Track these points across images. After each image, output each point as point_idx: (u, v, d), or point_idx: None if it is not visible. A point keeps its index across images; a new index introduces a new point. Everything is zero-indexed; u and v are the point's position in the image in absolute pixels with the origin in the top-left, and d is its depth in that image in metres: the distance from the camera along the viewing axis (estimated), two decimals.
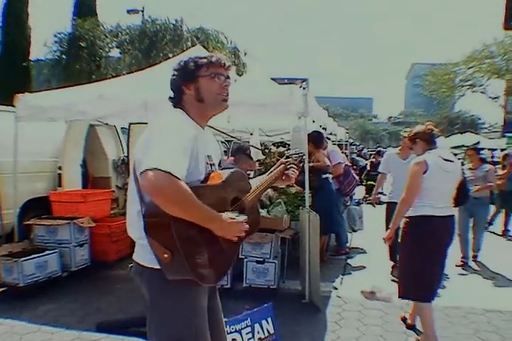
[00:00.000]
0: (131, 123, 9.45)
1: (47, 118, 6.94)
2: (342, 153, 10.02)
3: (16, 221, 7.14)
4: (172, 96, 2.76)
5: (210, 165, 2.69)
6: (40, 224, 6.90)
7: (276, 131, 12.95)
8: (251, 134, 12.20)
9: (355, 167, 16.78)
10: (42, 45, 23.98)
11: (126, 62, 23.94)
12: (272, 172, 3.11)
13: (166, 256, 2.28)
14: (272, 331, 4.44)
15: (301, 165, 3.29)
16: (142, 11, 24.42)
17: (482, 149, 8.73)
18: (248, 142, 11.59)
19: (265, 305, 4.51)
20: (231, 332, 4.08)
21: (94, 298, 6.13)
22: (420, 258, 4.78)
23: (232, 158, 7.67)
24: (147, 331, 2.62)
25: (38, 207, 7.90)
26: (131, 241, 2.62)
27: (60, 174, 8.54)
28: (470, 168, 8.28)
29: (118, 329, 4.95)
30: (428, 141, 5.01)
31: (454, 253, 7.45)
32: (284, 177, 3.12)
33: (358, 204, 10.08)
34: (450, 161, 4.89)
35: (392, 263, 7.31)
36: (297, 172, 3.16)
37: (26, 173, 7.69)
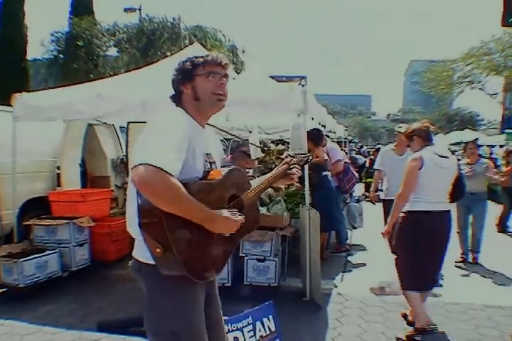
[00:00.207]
0: (129, 122, 9.44)
1: (45, 117, 6.92)
2: (341, 150, 10.01)
3: (15, 221, 7.13)
4: (172, 95, 2.78)
5: (210, 163, 2.70)
6: (39, 224, 6.88)
7: (275, 129, 12.93)
8: (250, 132, 12.17)
9: (354, 165, 16.77)
10: (39, 45, 23.98)
11: (123, 61, 23.90)
12: (274, 171, 3.10)
13: (158, 250, 2.29)
14: (273, 329, 4.43)
15: (304, 165, 3.29)
16: (139, 10, 24.40)
17: (481, 146, 8.60)
18: (247, 140, 11.57)
19: (266, 303, 4.51)
20: (232, 331, 4.07)
21: (95, 298, 6.12)
22: (414, 252, 4.94)
23: (231, 156, 7.67)
24: (145, 326, 2.62)
25: (37, 207, 7.88)
26: (131, 240, 2.63)
27: (58, 174, 8.54)
28: (468, 163, 8.13)
29: (119, 329, 4.96)
30: (425, 137, 5.16)
31: (454, 250, 7.49)
32: (286, 177, 3.10)
33: (358, 201, 10.07)
34: (445, 157, 5.04)
35: (395, 256, 7.33)
36: (300, 173, 3.15)
37: (25, 173, 7.67)
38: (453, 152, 25.49)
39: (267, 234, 6.03)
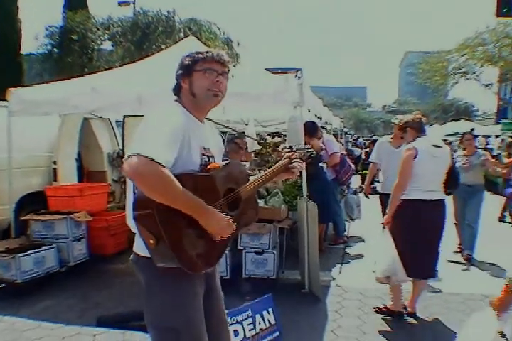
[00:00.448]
0: (125, 116, 9.42)
1: (40, 112, 6.89)
2: (337, 142, 10.00)
3: (12, 217, 7.12)
4: (173, 88, 2.81)
5: (208, 156, 2.70)
6: (36, 219, 6.85)
7: (271, 122, 12.92)
8: (246, 125, 12.17)
9: (350, 156, 16.77)
10: (33, 39, 23.86)
11: (118, 55, 23.80)
12: (275, 165, 3.09)
13: (151, 241, 2.31)
14: (273, 321, 4.45)
15: (308, 160, 3.28)
16: (133, 3, 24.31)
17: (477, 136, 8.42)
18: (243, 133, 11.55)
19: (265, 295, 4.51)
20: (232, 324, 4.08)
21: (94, 293, 6.11)
22: (409, 240, 5.06)
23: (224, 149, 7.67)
24: (145, 319, 2.63)
25: (34, 202, 7.86)
26: (129, 234, 2.63)
27: (55, 168, 8.51)
28: (465, 155, 7.95)
29: (118, 324, 4.95)
30: (418, 129, 5.33)
31: (452, 242, 7.51)
32: (287, 171, 3.10)
33: (356, 193, 10.06)
34: (439, 147, 5.25)
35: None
36: (302, 167, 3.14)
37: (21, 168, 7.65)
38: (449, 143, 25.63)
39: (264, 227, 6.03)
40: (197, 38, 9.89)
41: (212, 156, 2.75)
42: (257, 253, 6.15)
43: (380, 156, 7.64)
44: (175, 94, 2.79)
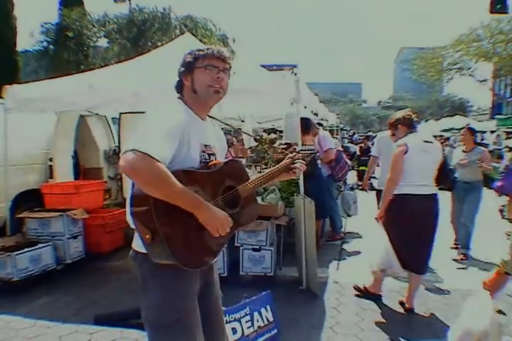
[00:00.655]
0: (121, 113, 9.39)
1: (36, 109, 6.87)
2: (334, 138, 9.99)
3: (8, 214, 7.10)
4: (175, 85, 2.81)
5: (209, 154, 2.70)
6: (32, 217, 6.84)
7: (267, 118, 12.92)
8: (242, 121, 12.15)
9: (346, 153, 16.78)
10: (28, 36, 23.82)
11: (114, 52, 23.78)
12: (277, 165, 3.09)
13: (147, 236, 2.31)
14: (271, 319, 4.44)
15: (310, 161, 3.28)
16: (129, 0, 24.26)
17: (476, 132, 8.18)
18: (240, 129, 11.54)
19: (264, 292, 4.50)
20: (230, 321, 4.08)
21: (90, 290, 6.09)
22: (401, 234, 5.17)
23: None
24: (141, 315, 2.64)
25: (30, 199, 7.82)
26: (126, 231, 2.63)
27: (51, 166, 8.48)
28: (463, 151, 7.85)
29: (116, 322, 4.93)
30: (408, 125, 5.47)
31: (449, 238, 7.51)
32: (288, 172, 3.10)
33: (352, 189, 10.06)
34: (429, 142, 5.35)
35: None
36: (304, 168, 3.13)
37: (17, 166, 7.60)
38: (446, 138, 25.65)
39: (262, 224, 6.01)
40: (193, 34, 9.87)
41: (213, 154, 2.75)
42: (254, 250, 6.14)
43: (380, 150, 7.61)
44: (177, 92, 2.79)
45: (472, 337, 3.18)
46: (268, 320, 4.41)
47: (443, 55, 41.52)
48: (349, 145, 22.15)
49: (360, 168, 17.07)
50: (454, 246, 8.03)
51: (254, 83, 5.86)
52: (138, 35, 22.88)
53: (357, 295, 5.84)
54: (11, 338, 4.74)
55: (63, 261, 6.78)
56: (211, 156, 2.71)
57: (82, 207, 7.14)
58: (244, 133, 11.00)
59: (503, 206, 8.97)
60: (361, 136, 33.51)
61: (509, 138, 19.75)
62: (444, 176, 5.65)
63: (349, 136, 33.25)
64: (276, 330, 4.45)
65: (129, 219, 2.52)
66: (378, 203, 7.04)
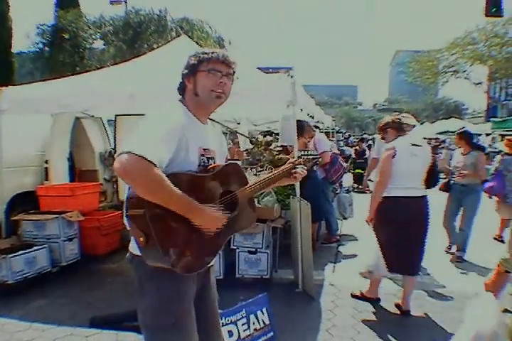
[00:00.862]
0: (117, 115, 9.38)
1: (31, 111, 6.85)
2: (330, 140, 9.99)
3: (3, 216, 7.08)
4: (178, 87, 2.79)
5: (208, 158, 2.67)
6: (27, 219, 6.81)
7: (263, 120, 12.91)
8: (238, 124, 12.15)
9: (342, 156, 16.79)
10: (24, 38, 23.89)
11: (110, 54, 23.83)
12: (278, 170, 3.08)
13: (141, 239, 2.30)
14: (267, 321, 4.43)
15: (313, 166, 3.28)
16: (125, 2, 24.31)
17: (471, 135, 8.04)
18: (236, 131, 11.54)
19: (260, 295, 4.50)
20: (226, 324, 4.07)
21: (85, 293, 6.07)
22: (390, 235, 5.26)
23: None
24: (138, 318, 2.64)
25: (25, 202, 7.79)
26: (121, 234, 2.63)
27: (46, 168, 8.45)
28: (461, 153, 7.81)
29: (111, 324, 4.91)
30: (397, 128, 5.58)
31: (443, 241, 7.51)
32: (289, 176, 3.09)
33: (348, 191, 10.07)
34: (418, 146, 5.40)
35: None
36: (305, 173, 3.12)
37: (12, 168, 7.57)
38: (442, 141, 25.69)
39: (258, 226, 6.01)
40: (189, 37, 9.88)
41: (213, 158, 2.72)
42: (250, 252, 6.14)
43: (380, 153, 7.62)
44: (179, 94, 2.77)
45: (482, 340, 3.17)
46: (264, 322, 4.40)
47: (438, 58, 41.78)
48: (344, 148, 22.17)
49: (356, 170, 17.07)
50: (447, 249, 8.05)
51: (251, 85, 5.84)
52: (134, 37, 22.92)
53: (354, 297, 5.86)
54: None
55: (59, 263, 6.75)
56: (210, 160, 2.68)
57: (78, 209, 7.12)
58: (241, 134, 10.99)
59: None
60: (356, 138, 33.53)
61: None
62: (433, 179, 5.71)
63: (345, 138, 33.21)
64: (272, 333, 4.43)
65: (125, 221, 2.50)
66: None
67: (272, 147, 8.91)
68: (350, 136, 38.88)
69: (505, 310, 3.10)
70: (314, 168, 7.86)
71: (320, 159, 3.33)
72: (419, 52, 47.43)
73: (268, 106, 7.52)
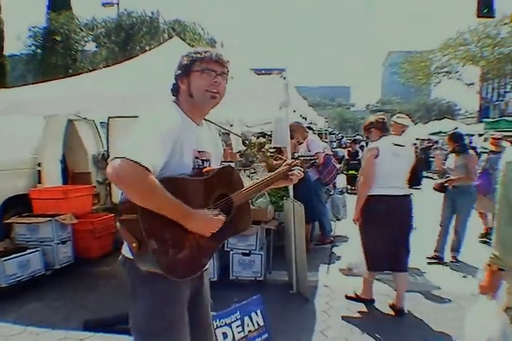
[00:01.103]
0: (110, 118, 9.36)
1: (24, 113, 6.83)
2: (324, 142, 9.99)
3: None
4: (171, 88, 2.73)
5: (203, 160, 2.63)
6: (20, 222, 6.79)
7: (256, 122, 12.91)
8: (231, 125, 12.14)
9: (336, 157, 16.80)
10: (16, 40, 23.85)
11: (102, 56, 23.82)
12: (274, 172, 3.06)
13: (134, 245, 2.27)
14: (261, 323, 4.43)
15: (309, 168, 3.26)
16: (117, 4, 24.30)
17: (461, 136, 7.93)
18: (228, 133, 11.55)
19: (254, 297, 4.49)
20: (221, 326, 4.07)
21: (79, 296, 6.05)
22: (373, 233, 5.40)
23: None
24: (129, 322, 2.61)
25: (18, 204, 7.77)
26: (115, 237, 2.61)
27: (39, 171, 8.42)
28: (454, 155, 7.72)
29: (105, 327, 4.90)
30: (381, 129, 5.65)
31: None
32: (286, 178, 3.08)
33: (342, 193, 10.08)
34: (401, 146, 5.49)
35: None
36: (302, 175, 3.11)
37: (5, 170, 7.57)
38: (435, 142, 25.70)
39: (251, 228, 6.00)
40: (181, 38, 9.86)
41: (208, 160, 2.68)
42: (244, 254, 6.14)
43: None
44: (173, 95, 2.72)
45: None
46: (259, 324, 4.40)
47: (431, 58, 41.87)
48: (337, 149, 22.19)
49: (349, 171, 17.06)
50: (433, 255, 7.73)
51: (244, 87, 5.84)
52: (126, 40, 22.91)
53: (348, 298, 5.87)
54: None
55: (52, 266, 6.73)
56: (205, 162, 2.65)
57: (71, 212, 7.09)
58: (234, 134, 10.99)
59: None
60: (349, 139, 33.61)
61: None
62: (416, 178, 5.92)
63: (337, 139, 33.28)
64: (266, 335, 4.43)
65: (118, 226, 2.47)
66: None
67: (265, 149, 8.92)
68: (343, 137, 38.95)
69: (507, 308, 3.11)
70: (308, 169, 7.88)
71: (317, 160, 3.32)
72: (411, 53, 47.52)
73: (261, 107, 7.52)
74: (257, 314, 4.42)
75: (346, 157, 18.75)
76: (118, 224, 2.40)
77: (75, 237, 7.19)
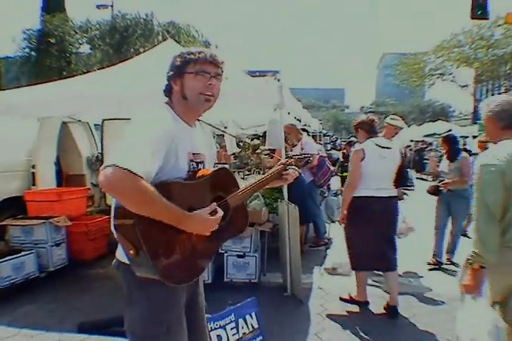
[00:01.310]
0: (104, 120, 9.35)
1: (18, 115, 6.82)
2: (318, 144, 10.00)
3: None
4: (164, 89, 2.67)
5: (197, 162, 2.60)
6: (15, 224, 6.78)
7: (250, 124, 12.91)
8: (225, 127, 12.15)
9: (330, 159, 16.75)
10: (10, 42, 23.88)
11: (96, 58, 23.82)
12: (269, 172, 3.03)
13: (131, 252, 2.23)
14: (256, 325, 4.42)
15: (304, 166, 3.25)
16: (112, 6, 24.32)
17: (455, 138, 7.78)
18: (223, 135, 11.56)
19: (249, 299, 4.49)
20: (215, 328, 4.06)
21: (74, 298, 6.04)
22: (358, 234, 5.51)
23: None
24: (125, 325, 2.58)
25: (12, 207, 7.77)
26: (109, 239, 2.58)
27: (33, 173, 8.41)
28: (447, 158, 7.60)
29: (100, 329, 4.89)
30: (367, 130, 5.67)
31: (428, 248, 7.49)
32: (280, 178, 3.05)
33: (336, 195, 10.07)
34: (387, 148, 5.54)
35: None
36: (297, 174, 3.08)
37: None
38: (429, 143, 25.73)
39: (246, 230, 5.99)
40: (175, 41, 9.89)
41: (202, 162, 2.64)
42: (238, 256, 6.14)
43: None
44: (166, 96, 2.66)
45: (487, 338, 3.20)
46: (253, 326, 4.39)
47: (425, 60, 41.93)
48: (332, 151, 22.17)
49: (344, 173, 17.00)
50: (433, 261, 7.60)
51: (238, 89, 5.85)
52: (120, 42, 22.92)
53: (343, 300, 5.87)
54: None
55: (46, 268, 6.72)
56: (199, 164, 2.61)
57: (65, 214, 7.08)
58: (229, 134, 11.00)
59: None
60: (343, 141, 33.62)
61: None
62: (402, 179, 5.93)
63: (332, 141, 33.29)
64: (261, 337, 4.43)
65: (113, 230, 2.40)
66: None
67: (259, 151, 8.93)
68: (337, 139, 38.96)
69: (494, 303, 3.16)
70: (302, 170, 7.88)
71: (311, 158, 3.30)
72: (405, 55, 47.59)
73: (255, 109, 7.53)
74: (251, 316, 4.42)
75: (341, 159, 18.67)
76: (112, 228, 2.35)
77: (69, 239, 7.18)
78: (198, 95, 2.54)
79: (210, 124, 9.70)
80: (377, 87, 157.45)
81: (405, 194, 5.89)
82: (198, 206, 2.39)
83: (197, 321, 2.83)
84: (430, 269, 7.44)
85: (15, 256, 6.19)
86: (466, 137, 26.04)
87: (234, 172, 7.91)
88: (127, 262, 2.37)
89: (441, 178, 7.59)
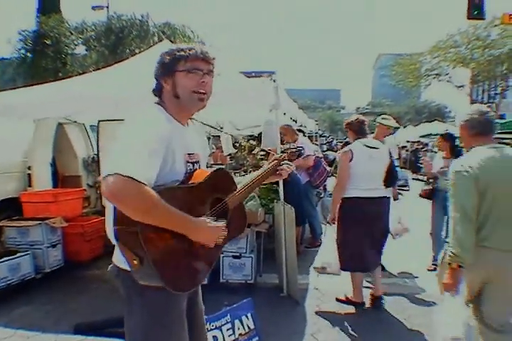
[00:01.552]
0: (100, 121, 9.34)
1: (14, 116, 6.81)
2: (314, 144, 10.00)
3: None
4: (154, 89, 2.62)
5: (193, 163, 2.56)
6: (11, 225, 6.77)
7: (246, 125, 12.91)
8: (221, 128, 12.15)
9: (326, 160, 16.74)
10: (6, 43, 23.83)
11: (92, 59, 23.79)
12: (263, 168, 2.99)
13: (135, 262, 2.17)
14: (252, 326, 4.43)
15: (297, 159, 3.24)
16: (107, 7, 24.30)
17: (454, 137, 7.63)
18: (219, 137, 11.56)
19: (245, 300, 4.49)
20: (211, 329, 4.06)
21: (70, 299, 6.03)
22: (349, 234, 5.55)
23: None
24: (125, 331, 2.53)
25: (8, 208, 7.76)
26: (105, 240, 2.54)
27: (29, 174, 8.41)
28: (444, 157, 7.40)
29: (96, 331, 4.89)
30: (356, 131, 5.76)
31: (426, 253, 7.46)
32: (275, 174, 3.01)
33: (332, 195, 10.07)
34: (375, 148, 5.61)
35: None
36: (292, 169, 3.05)
37: None
38: (425, 144, 25.73)
39: None
40: (171, 41, 9.87)
41: (197, 162, 2.60)
42: (234, 257, 6.14)
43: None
44: (155, 95, 2.60)
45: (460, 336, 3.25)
46: (249, 327, 4.40)
47: (421, 61, 41.88)
48: (328, 152, 22.16)
49: None
50: (432, 267, 7.28)
51: (234, 89, 5.85)
52: (116, 43, 22.90)
53: (339, 301, 5.89)
54: None
55: (42, 270, 6.71)
56: (195, 165, 2.57)
57: (61, 215, 7.08)
58: (226, 133, 11.00)
59: None
60: (339, 142, 33.60)
61: None
62: (391, 178, 5.89)
63: (328, 142, 33.26)
64: (257, 338, 4.43)
65: (111, 237, 2.32)
66: None
67: (255, 151, 8.93)
68: (333, 139, 38.93)
69: (468, 301, 3.25)
70: (294, 171, 7.86)
71: (303, 150, 3.30)
72: (401, 56, 47.56)
73: (251, 110, 7.53)
74: (247, 317, 4.42)
75: (337, 160, 18.68)
76: (111, 234, 2.27)
77: (65, 240, 7.17)
78: (191, 93, 2.48)
79: (208, 124, 9.73)
80: (373, 87, 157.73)
81: (400, 194, 5.89)
82: (200, 210, 2.37)
83: (196, 322, 2.82)
84: (429, 269, 7.35)
85: (11, 257, 6.18)
86: None
87: (230, 172, 7.92)
88: (127, 269, 2.30)
89: (435, 181, 7.44)
